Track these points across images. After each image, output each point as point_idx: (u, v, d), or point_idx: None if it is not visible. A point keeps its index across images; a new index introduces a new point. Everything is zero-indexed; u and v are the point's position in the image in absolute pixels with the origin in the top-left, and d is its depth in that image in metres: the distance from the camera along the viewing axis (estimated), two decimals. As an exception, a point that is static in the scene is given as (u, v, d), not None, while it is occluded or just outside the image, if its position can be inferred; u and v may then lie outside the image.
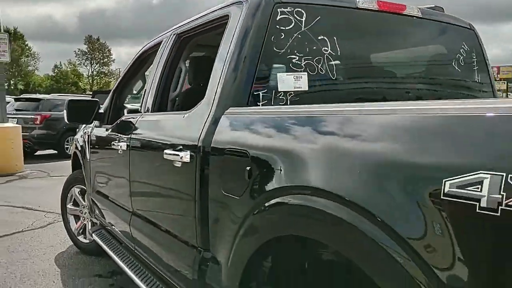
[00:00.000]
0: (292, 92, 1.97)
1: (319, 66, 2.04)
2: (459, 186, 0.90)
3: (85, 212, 4.12)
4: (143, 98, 2.82)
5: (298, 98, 1.98)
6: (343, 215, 1.14)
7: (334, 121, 1.34)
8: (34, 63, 64.94)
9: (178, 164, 2.03)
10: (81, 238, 4.21)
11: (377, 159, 1.11)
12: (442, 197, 0.92)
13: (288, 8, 2.00)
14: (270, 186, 1.45)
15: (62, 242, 4.51)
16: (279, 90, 1.95)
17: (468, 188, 0.88)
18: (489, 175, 0.85)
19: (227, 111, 1.85)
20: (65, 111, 3.34)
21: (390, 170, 1.07)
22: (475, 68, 2.55)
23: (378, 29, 2.26)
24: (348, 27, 2.19)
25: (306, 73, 2.00)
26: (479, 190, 0.86)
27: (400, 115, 1.15)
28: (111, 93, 3.57)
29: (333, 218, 1.17)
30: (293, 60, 1.99)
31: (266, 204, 1.45)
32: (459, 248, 0.89)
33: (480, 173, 0.87)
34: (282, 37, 1.97)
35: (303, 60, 2.01)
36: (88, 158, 3.69)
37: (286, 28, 1.98)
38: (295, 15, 2.00)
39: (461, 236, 0.90)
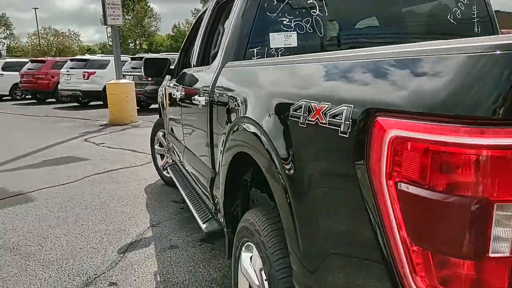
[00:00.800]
0: (283, 48, 2.47)
1: (308, 25, 2.49)
2: (295, 110, 1.40)
3: (167, 151, 5.01)
4: (192, 55, 3.48)
5: (288, 53, 2.47)
6: (256, 133, 1.68)
7: (265, 70, 1.85)
8: (156, 24, 69.52)
9: (201, 107, 2.67)
10: (165, 172, 5.14)
11: (279, 97, 1.63)
12: (289, 117, 1.43)
13: (281, -22, 2.45)
14: (233, 117, 2.02)
15: (153, 177, 5.51)
16: (271, 47, 2.45)
17: (298, 110, 1.38)
18: (306, 101, 1.34)
19: (226, 64, 2.41)
20: (142, 67, 4.14)
21: (273, 103, 1.58)
22: (475, 20, 2.76)
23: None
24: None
25: (295, 32, 2.47)
26: (301, 112, 1.36)
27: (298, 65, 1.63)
28: (179, 51, 4.29)
29: (254, 136, 1.72)
30: (284, 22, 2.46)
31: (233, 130, 2.03)
32: (291, 144, 1.41)
33: (302, 101, 1.36)
34: (274, 3, 2.45)
35: (293, 22, 2.47)
36: (164, 106, 4.51)
37: (278, -5, 2.45)
38: (286, -16, 2.46)
39: (295, 140, 1.41)
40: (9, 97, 19.04)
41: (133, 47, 66.57)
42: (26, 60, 20.06)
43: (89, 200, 4.65)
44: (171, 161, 4.89)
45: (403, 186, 0.92)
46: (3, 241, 3.60)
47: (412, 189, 0.90)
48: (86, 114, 13.14)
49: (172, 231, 3.77)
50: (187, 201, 3.25)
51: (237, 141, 1.98)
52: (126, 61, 14.20)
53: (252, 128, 1.74)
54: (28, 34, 70.44)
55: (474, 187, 0.82)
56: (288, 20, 2.46)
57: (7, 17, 70.86)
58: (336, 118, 1.16)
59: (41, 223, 4.01)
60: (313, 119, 1.27)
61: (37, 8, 72.27)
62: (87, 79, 14.77)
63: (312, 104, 1.30)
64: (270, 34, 2.46)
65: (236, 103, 2.04)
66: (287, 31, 2.47)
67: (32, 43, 63.07)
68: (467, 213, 0.82)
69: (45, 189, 5.08)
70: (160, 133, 5.16)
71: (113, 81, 10.80)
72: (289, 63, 1.61)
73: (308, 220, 1.34)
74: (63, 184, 5.28)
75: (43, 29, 64.94)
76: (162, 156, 5.26)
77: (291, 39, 2.47)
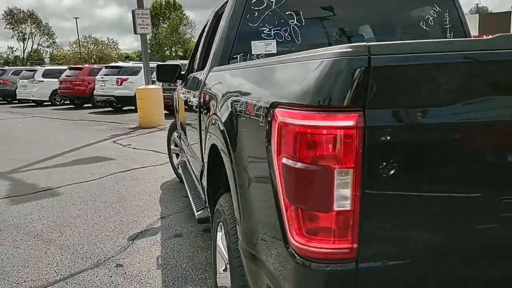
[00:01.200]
0: (264, 55, 2.76)
1: (286, 34, 2.78)
2: (240, 105, 1.70)
3: (180, 151, 5.37)
4: (195, 60, 3.82)
5: (269, 58, 2.76)
6: (221, 127, 1.99)
7: (228, 74, 2.16)
8: (191, 31, 70.85)
9: (194, 107, 3.00)
10: (179, 170, 5.50)
11: (233, 96, 1.93)
12: (237, 113, 1.73)
13: (261, -7, 2.76)
14: (212, 113, 2.33)
15: (170, 175, 5.89)
16: (253, 53, 2.75)
17: (241, 106, 1.68)
18: (245, 98, 1.64)
19: (212, 69, 2.73)
20: (155, 72, 4.52)
21: (229, 101, 1.88)
22: (447, 26, 2.97)
23: (341, 1, 2.86)
24: (313, 3, 2.85)
25: (274, 40, 2.77)
26: (242, 107, 1.66)
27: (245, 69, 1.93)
28: (189, 58, 4.65)
29: (218, 130, 2.02)
30: (265, 31, 2.76)
31: (209, 125, 2.34)
32: (233, 128, 1.71)
33: (244, 98, 1.66)
34: (255, 15, 2.75)
35: (272, 31, 2.77)
36: (176, 108, 4.88)
37: (259, 8, 2.75)
38: (267, -2, 2.76)
39: (239, 132, 1.70)
40: (49, 103, 20.04)
41: (168, 54, 68.13)
42: (65, 67, 21.08)
43: (109, 195, 5.06)
44: (183, 159, 5.25)
45: (284, 160, 1.20)
46: (29, 229, 4.04)
47: (288, 162, 1.18)
48: (118, 118, 13.77)
49: (179, 223, 4.11)
50: (188, 192, 3.59)
51: (211, 135, 2.29)
52: (156, 68, 14.77)
53: (218, 124, 2.05)
54: (70, 43, 73.33)
55: (323, 158, 1.10)
56: (268, 29, 2.76)
57: (50, 27, 74.15)
58: (258, 111, 1.45)
59: (64, 214, 4.44)
60: (248, 113, 1.57)
61: (77, 18, 75.07)
62: (120, 85, 15.44)
63: (248, 100, 1.60)
64: (252, 42, 2.76)
65: (213, 102, 2.36)
66: (267, 39, 2.76)
67: (73, 51, 65.60)
68: (318, 178, 1.10)
69: (71, 185, 5.54)
70: (175, 134, 5.53)
71: (142, 86, 11.35)
72: (240, 68, 1.91)
73: (243, 198, 1.63)
74: (87, 181, 5.73)
75: (83, 37, 67.55)
76: (178, 156, 5.63)
77: (271, 47, 2.76)
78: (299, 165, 1.14)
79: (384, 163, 1.08)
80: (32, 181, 5.83)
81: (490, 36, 1.10)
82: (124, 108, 16.90)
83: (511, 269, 1.21)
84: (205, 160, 2.55)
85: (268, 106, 1.35)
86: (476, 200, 1.12)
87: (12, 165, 6.86)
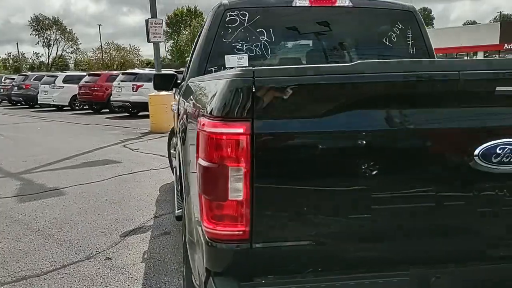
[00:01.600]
0: (236, 68, 3.03)
1: (257, 49, 3.05)
2: (190, 114, 1.97)
3: (179, 155, 5.68)
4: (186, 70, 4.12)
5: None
6: (180, 134, 2.27)
7: (193, 86, 2.44)
8: (211, 38, 71.59)
9: (176, 114, 3.29)
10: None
11: (188, 106, 2.21)
12: (187, 119, 2.00)
13: (235, 12, 3.04)
14: (179, 119, 2.62)
15: (170, 178, 6.19)
16: (226, 66, 3.03)
17: (189, 113, 1.95)
18: (191, 107, 1.91)
19: (189, 80, 3.02)
20: (152, 82, 4.83)
21: (185, 110, 2.16)
22: (410, 42, 3.20)
23: (309, 19, 3.12)
24: (282, 21, 3.11)
25: (246, 54, 3.04)
26: (190, 115, 1.93)
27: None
28: (185, 68, 4.96)
29: (179, 136, 2.30)
30: (237, 46, 3.04)
31: (179, 130, 2.62)
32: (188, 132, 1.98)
33: (192, 107, 1.94)
34: (229, 31, 3.03)
35: (244, 46, 3.04)
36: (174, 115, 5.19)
37: (233, 25, 3.03)
38: (240, 16, 3.04)
39: (187, 136, 1.98)
40: (69, 107, 20.71)
41: (189, 60, 68.99)
42: (84, 73, 21.75)
43: (109, 195, 5.39)
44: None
45: (200, 161, 1.47)
46: (31, 224, 4.38)
47: (201, 161, 1.45)
48: (132, 124, 14.21)
49: (169, 222, 4.40)
50: (175, 193, 3.87)
51: (178, 139, 2.58)
52: (170, 75, 15.21)
53: (180, 129, 2.33)
54: (93, 49, 75.12)
55: (221, 159, 1.36)
56: (240, 45, 3.03)
57: (74, 33, 76.24)
58: (195, 119, 1.73)
59: (66, 212, 4.77)
60: (192, 120, 1.85)
61: (101, 25, 76.93)
62: (136, 91, 15.92)
63: (192, 109, 1.87)
64: (226, 56, 3.03)
65: (182, 110, 2.65)
66: (239, 53, 3.03)
67: (96, 57, 67.10)
68: (218, 174, 1.37)
69: (76, 186, 5.89)
70: (174, 139, 5.84)
71: (154, 93, 11.74)
72: (194, 81, 2.19)
73: (187, 195, 1.91)
74: (92, 182, 6.08)
75: (106, 44, 69.06)
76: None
77: (243, 60, 3.03)
78: (206, 164, 1.40)
79: (270, 162, 1.34)
80: (41, 181, 6.20)
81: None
82: (139, 114, 17.37)
83: (377, 250, 1.46)
84: (179, 162, 2.83)
85: (197, 114, 1.62)
86: (345, 194, 1.37)
87: (25, 166, 7.28)
